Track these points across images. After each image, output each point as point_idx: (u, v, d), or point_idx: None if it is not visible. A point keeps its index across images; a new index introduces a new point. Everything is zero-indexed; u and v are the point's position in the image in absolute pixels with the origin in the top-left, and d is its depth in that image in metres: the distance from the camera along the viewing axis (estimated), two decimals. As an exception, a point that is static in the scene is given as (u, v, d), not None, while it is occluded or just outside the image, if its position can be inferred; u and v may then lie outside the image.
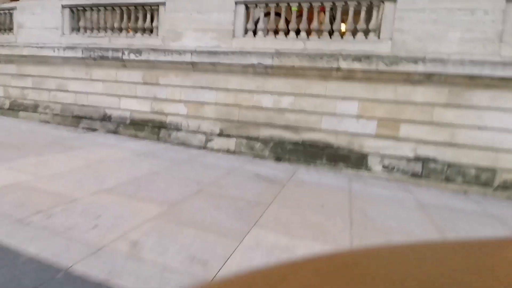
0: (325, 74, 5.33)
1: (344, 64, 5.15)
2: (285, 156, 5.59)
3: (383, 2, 5.17)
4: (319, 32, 5.54)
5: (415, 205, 3.88)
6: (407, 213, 3.53)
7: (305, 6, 5.54)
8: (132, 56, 6.39)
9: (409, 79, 4.95)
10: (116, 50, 6.54)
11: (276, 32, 5.80)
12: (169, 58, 6.13)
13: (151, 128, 6.56)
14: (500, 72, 4.49)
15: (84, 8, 7.04)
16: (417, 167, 4.97)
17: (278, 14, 5.93)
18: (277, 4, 5.69)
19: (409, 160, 5.00)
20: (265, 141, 5.72)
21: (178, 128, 6.35)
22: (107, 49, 6.63)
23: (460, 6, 4.81)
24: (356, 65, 5.09)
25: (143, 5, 6.49)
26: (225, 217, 2.90)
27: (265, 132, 5.72)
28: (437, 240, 0.25)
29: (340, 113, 5.31)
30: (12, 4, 7.87)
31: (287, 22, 5.80)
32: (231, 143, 5.95)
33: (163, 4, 6.30)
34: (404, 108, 5.01)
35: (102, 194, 3.22)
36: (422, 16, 4.93)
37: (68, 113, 7.35)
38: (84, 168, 4.07)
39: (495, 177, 4.68)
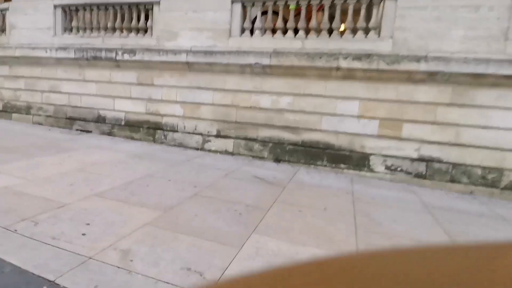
0: (324, 73, 5.19)
1: (344, 63, 5.02)
2: (285, 157, 5.44)
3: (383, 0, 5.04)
4: (318, 30, 5.40)
5: (420, 207, 3.74)
6: (414, 216, 3.39)
7: (303, 4, 5.41)
8: (126, 56, 6.23)
9: (411, 78, 4.82)
10: (109, 50, 6.38)
11: (273, 31, 5.66)
12: (164, 58, 5.97)
13: (147, 129, 6.40)
14: (505, 70, 4.37)
15: (76, 7, 6.87)
16: (421, 168, 4.83)
17: (275, 13, 5.79)
18: (275, 3, 5.56)
19: (412, 160, 4.86)
20: (264, 142, 5.57)
21: (174, 129, 6.19)
22: (100, 49, 6.46)
23: (463, 3, 4.69)
24: (356, 64, 4.96)
25: (137, 4, 6.34)
26: (223, 223, 2.74)
27: (263, 133, 5.57)
28: (443, 243, 0.23)
29: (340, 113, 5.17)
30: (5, 5, 7.69)
31: (285, 21, 5.66)
32: (229, 144, 5.80)
33: (158, 3, 6.14)
34: (406, 108, 4.88)
35: (94, 199, 3.05)
36: (424, 14, 4.81)
37: (61, 115, 7.18)
38: (76, 172, 3.90)
39: (502, 178, 4.55)
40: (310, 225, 2.86)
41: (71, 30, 7.04)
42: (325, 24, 5.33)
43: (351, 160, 5.11)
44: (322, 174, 4.92)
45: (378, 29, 5.09)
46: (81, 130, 6.91)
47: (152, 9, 6.25)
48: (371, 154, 5.03)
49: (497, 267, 0.20)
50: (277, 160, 5.45)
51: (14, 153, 4.58)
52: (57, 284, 1.79)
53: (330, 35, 5.27)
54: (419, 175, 4.84)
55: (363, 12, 5.14)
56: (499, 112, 4.53)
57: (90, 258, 2.04)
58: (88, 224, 2.51)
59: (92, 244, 2.20)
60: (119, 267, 1.95)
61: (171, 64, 6.01)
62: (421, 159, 4.85)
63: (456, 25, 4.72)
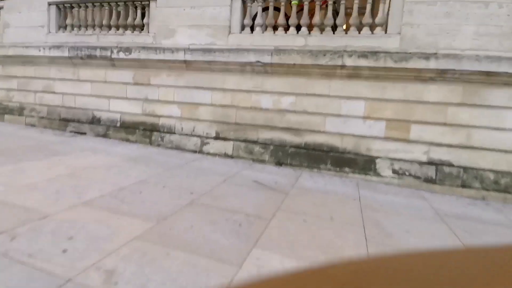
0: (328, 72, 4.94)
1: (349, 61, 4.77)
2: (287, 160, 5.19)
3: (390, -6, 4.79)
4: (322, 27, 5.15)
5: (433, 215, 3.49)
6: (427, 225, 3.14)
7: (306, 0, 5.16)
8: (122, 55, 5.98)
9: (420, 76, 4.57)
10: (104, 48, 6.13)
11: (275, 28, 5.41)
12: (161, 56, 5.72)
13: (143, 131, 6.15)
14: (519, 69, 4.12)
15: (71, 5, 6.63)
16: (431, 172, 4.58)
17: (277, 9, 5.55)
18: (276, -2, 5.31)
19: (421, 164, 4.61)
20: (264, 145, 5.32)
21: (171, 131, 5.94)
22: (95, 48, 6.22)
23: (473, -3, 4.45)
24: (362, 62, 4.71)
25: (133, 0, 6.09)
26: (221, 235, 2.49)
27: (264, 135, 5.32)
28: (453, 247, 0.23)
29: (345, 114, 4.92)
30: (-1, 3, 7.46)
31: (287, 17, 5.41)
32: (228, 147, 5.55)
33: (154, -1, 5.90)
34: (415, 108, 4.63)
35: (80, 209, 2.81)
36: (434, 9, 4.56)
37: (55, 116, 6.93)
38: (64, 177, 3.66)
39: (518, 183, 4.31)
40: (316, 238, 2.61)
41: (65, 27, 6.80)
42: (329, 20, 5.08)
43: (357, 163, 4.86)
44: (326, 178, 4.67)
45: (384, 25, 4.84)
46: (75, 132, 6.67)
47: (148, 5, 6.01)
48: (377, 157, 4.78)
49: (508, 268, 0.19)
50: (279, 163, 5.20)
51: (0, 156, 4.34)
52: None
53: (334, 32, 5.03)
54: (428, 180, 4.59)
55: (368, 7, 4.90)
56: (514, 112, 4.28)
57: (69, 280, 1.80)
58: (71, 238, 2.26)
59: (73, 263, 1.96)
60: (101, 292, 1.71)
61: (168, 63, 5.76)
62: (430, 163, 4.60)
63: (467, 21, 4.48)
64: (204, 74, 5.63)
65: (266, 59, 5.11)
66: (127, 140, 6.23)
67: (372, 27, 4.92)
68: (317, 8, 5.14)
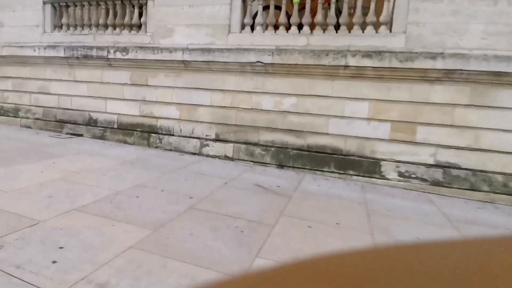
0: (331, 72, 4.80)
1: (352, 61, 4.63)
2: (289, 162, 5.04)
3: (394, -8, 4.66)
4: (324, 26, 5.02)
5: (443, 220, 3.35)
6: (438, 231, 2.99)
7: (308, -2, 5.03)
8: (118, 55, 5.83)
9: (426, 77, 4.44)
10: (101, 48, 5.98)
11: (276, 27, 5.27)
12: (158, 56, 5.58)
13: (141, 133, 5.99)
14: (528, 69, 4.00)
15: (66, 3, 6.48)
16: (438, 174, 4.44)
17: (278, 8, 5.41)
18: (277, -4, 5.18)
19: (428, 166, 4.47)
20: (266, 147, 5.17)
21: (170, 133, 5.79)
22: (91, 48, 6.07)
23: (480, -5, 4.33)
24: (366, 62, 4.57)
25: (130, -1, 5.96)
26: (221, 244, 2.34)
27: (265, 137, 5.17)
28: (451, 238, 0.22)
29: (349, 115, 4.78)
30: (-7, 2, 7.30)
31: (288, 16, 5.28)
32: (228, 149, 5.40)
33: (152, -3, 5.76)
34: (421, 109, 4.49)
35: (73, 215, 2.65)
36: (440, 7, 4.43)
37: (50, 117, 6.77)
38: (58, 181, 3.50)
39: (528, 186, 4.17)
40: (323, 246, 2.47)
41: (61, 27, 6.65)
42: (331, 19, 4.95)
43: (361, 166, 4.72)
44: (330, 181, 4.52)
45: (389, 23, 4.70)
46: (71, 134, 6.51)
47: (146, 4, 5.86)
48: (382, 160, 4.64)
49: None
50: (281, 166, 5.05)
51: (-7, 159, 4.18)
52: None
53: (337, 31, 4.89)
54: (435, 183, 4.44)
55: (372, 5, 4.77)
56: (524, 114, 4.15)
57: (57, 296, 1.65)
58: (62, 247, 2.11)
59: (63, 276, 1.81)
60: (91, 310, 1.56)
61: (166, 63, 5.62)
62: (437, 165, 4.46)
63: (475, 19, 4.35)
64: (203, 74, 5.48)
65: (267, 59, 4.97)
66: (125, 142, 6.08)
67: (376, 26, 4.79)
68: (319, 6, 5.00)
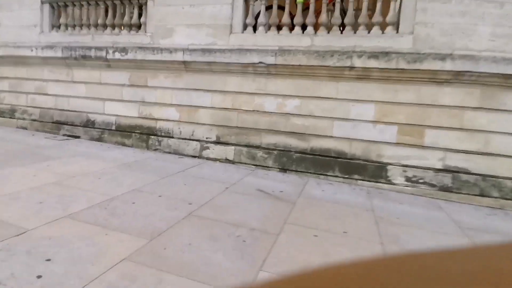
0: (336, 73, 4.65)
1: (358, 62, 4.48)
2: (292, 166, 4.88)
3: (401, -9, 4.52)
4: (329, 26, 4.88)
5: (454, 228, 3.18)
6: (450, 241, 2.83)
7: (312, -3, 4.89)
8: (117, 55, 5.69)
9: (435, 78, 4.29)
10: (99, 48, 5.84)
11: (279, 27, 5.13)
12: (158, 57, 5.43)
13: (139, 134, 5.84)
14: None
15: (65, 3, 6.35)
16: (446, 180, 4.28)
17: (281, 8, 5.27)
18: (281, -4, 5.03)
19: (436, 171, 4.31)
20: (268, 150, 5.01)
21: (169, 135, 5.63)
22: (90, 48, 5.92)
23: (488, -4, 4.19)
24: (373, 63, 4.42)
25: (130, -1, 5.82)
26: (222, 256, 2.18)
27: (268, 139, 5.01)
28: (460, 246, 0.22)
29: (354, 117, 4.62)
30: (-10, 2, 7.17)
31: (292, 16, 5.14)
32: (229, 152, 5.24)
33: (152, -4, 5.62)
34: (429, 112, 4.33)
35: (64, 223, 2.49)
36: (448, 7, 4.29)
37: (47, 119, 6.62)
38: (51, 186, 3.34)
39: (541, 192, 4.01)
40: (331, 256, 2.31)
41: (59, 27, 6.51)
42: (336, 19, 4.80)
43: (367, 170, 4.56)
44: (335, 186, 4.36)
45: (396, 24, 4.56)
46: (68, 135, 6.35)
47: (146, 3, 5.72)
48: (389, 164, 4.48)
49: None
50: (283, 169, 4.89)
51: (-15, 162, 4.03)
52: None
53: (342, 31, 4.75)
54: (444, 188, 4.28)
55: (378, 5, 4.63)
56: (536, 117, 4.00)
57: (41, 316, 1.49)
58: (49, 260, 1.95)
59: (48, 293, 1.65)
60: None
61: (166, 64, 5.47)
62: (446, 170, 4.30)
63: (483, 20, 4.21)
64: (204, 75, 5.34)
65: (270, 60, 4.82)
66: (123, 144, 5.92)
67: (382, 26, 4.65)
68: (324, 6, 4.86)
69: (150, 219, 2.68)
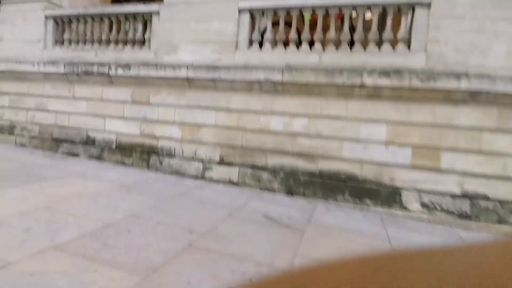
0: (345, 91, 4.46)
1: (368, 80, 4.29)
2: (299, 189, 4.63)
3: (413, 8, 4.37)
4: (337, 43, 4.72)
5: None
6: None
7: (320, 13, 4.76)
8: (120, 71, 5.55)
9: (450, 98, 4.08)
10: (102, 64, 5.71)
11: (286, 43, 4.99)
12: (161, 73, 5.28)
13: (140, 153, 5.63)
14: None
15: (69, 19, 6.28)
16: (465, 206, 4.00)
17: (288, 24, 5.15)
18: (288, 12, 4.91)
19: (454, 197, 4.03)
20: (274, 171, 4.77)
21: (171, 155, 5.42)
22: (92, 64, 5.80)
23: (502, 15, 4.03)
24: (384, 81, 4.23)
25: (134, 15, 5.73)
26: (226, 299, 1.91)
27: (274, 160, 4.78)
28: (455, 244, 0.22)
29: (365, 138, 4.39)
30: (-6, 16, 7.14)
31: (299, 32, 5.00)
32: (233, 173, 5.00)
33: (157, 13, 5.53)
34: (445, 133, 4.10)
35: (50, 255, 2.24)
36: (462, 24, 4.13)
37: (47, 136, 6.45)
38: (41, 210, 3.10)
39: None
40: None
41: (62, 42, 6.43)
42: (345, 35, 4.65)
43: (379, 195, 4.29)
44: (346, 211, 4.09)
45: (407, 40, 4.39)
46: (67, 153, 6.16)
47: (151, 19, 5.63)
48: (403, 188, 4.22)
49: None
50: (290, 192, 4.63)
51: (-25, 182, 3.81)
52: None
53: (351, 48, 4.58)
54: (462, 215, 4.00)
55: (389, 22, 4.48)
56: (562, 140, 3.75)
57: None
58: (27, 304, 1.69)
59: None
60: None
61: (169, 80, 5.31)
62: (464, 196, 4.02)
63: (497, 38, 4.04)
64: (208, 92, 5.17)
65: (277, 77, 4.65)
66: (123, 163, 5.71)
67: (393, 43, 4.49)
68: (332, 22, 4.72)
69: (146, 252, 2.42)
